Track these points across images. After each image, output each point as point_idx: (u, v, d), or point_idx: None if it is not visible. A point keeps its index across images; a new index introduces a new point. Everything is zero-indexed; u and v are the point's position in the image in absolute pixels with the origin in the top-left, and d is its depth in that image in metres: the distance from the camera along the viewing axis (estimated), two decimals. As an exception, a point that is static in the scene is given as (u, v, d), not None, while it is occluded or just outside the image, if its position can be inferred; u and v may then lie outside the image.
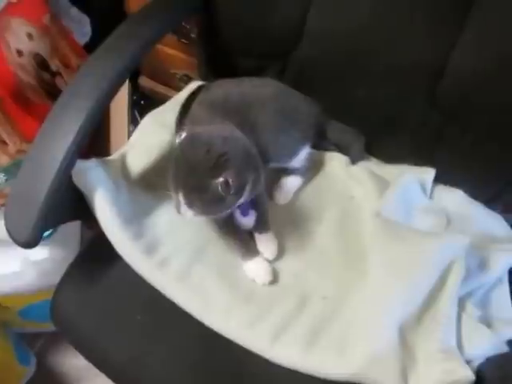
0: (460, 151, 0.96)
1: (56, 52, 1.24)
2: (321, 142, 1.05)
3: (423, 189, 0.98)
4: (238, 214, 0.85)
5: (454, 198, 0.98)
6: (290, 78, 1.03)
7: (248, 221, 0.87)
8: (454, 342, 0.73)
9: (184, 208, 0.72)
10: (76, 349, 0.82)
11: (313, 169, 1.02)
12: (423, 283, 0.77)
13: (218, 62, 1.09)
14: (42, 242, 1.07)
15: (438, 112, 0.94)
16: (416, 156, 1.00)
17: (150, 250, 0.82)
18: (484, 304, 0.82)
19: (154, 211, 0.89)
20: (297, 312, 0.79)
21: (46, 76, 1.20)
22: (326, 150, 1.06)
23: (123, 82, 0.91)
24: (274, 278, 0.83)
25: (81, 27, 1.58)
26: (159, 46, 1.43)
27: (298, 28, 0.97)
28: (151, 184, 0.93)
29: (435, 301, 0.76)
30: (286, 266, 0.85)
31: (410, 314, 0.75)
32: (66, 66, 1.28)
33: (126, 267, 0.82)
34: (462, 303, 0.79)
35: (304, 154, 0.98)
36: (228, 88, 0.94)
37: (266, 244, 0.86)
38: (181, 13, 1.01)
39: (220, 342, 0.77)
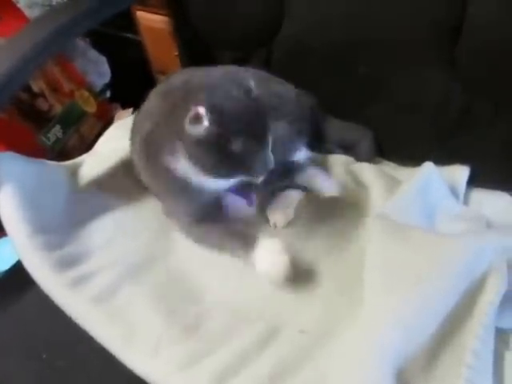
0: (497, 138, 0.71)
1: (42, 75, 1.19)
2: (322, 144, 0.84)
3: (454, 192, 0.73)
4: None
5: (498, 204, 0.72)
6: (277, 66, 0.86)
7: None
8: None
9: None
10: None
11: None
12: (438, 303, 0.51)
13: (197, 59, 0.94)
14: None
15: (461, 87, 0.71)
16: (441, 152, 0.75)
17: (66, 263, 0.63)
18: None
19: (95, 221, 0.72)
20: (258, 348, 0.56)
21: (24, 96, 1.14)
22: (330, 153, 0.84)
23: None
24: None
25: (97, 68, 1.57)
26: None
27: (278, 4, 0.80)
28: (103, 192, 0.77)
29: (457, 330, 0.49)
30: (260, 286, 0.63)
31: (418, 352, 0.49)
32: (55, 89, 1.22)
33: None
34: (505, 338, 0.51)
35: (300, 156, 0.77)
36: (190, 76, 0.77)
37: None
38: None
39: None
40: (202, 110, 0.55)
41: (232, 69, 0.78)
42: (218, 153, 0.58)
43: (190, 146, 0.58)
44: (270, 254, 0.62)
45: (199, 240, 0.69)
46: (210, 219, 0.68)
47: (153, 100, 0.71)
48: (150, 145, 0.66)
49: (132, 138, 0.74)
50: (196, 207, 0.68)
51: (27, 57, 0.60)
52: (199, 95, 0.57)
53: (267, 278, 0.62)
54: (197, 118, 0.55)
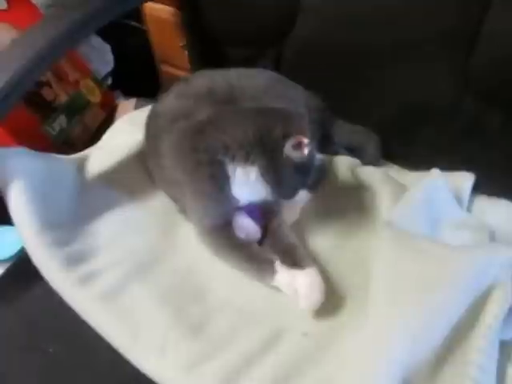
0: (505, 148, 0.72)
1: (49, 63, 1.17)
2: (329, 146, 0.84)
3: (458, 199, 0.73)
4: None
5: (501, 212, 0.73)
6: (287, 66, 0.85)
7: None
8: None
9: None
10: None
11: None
12: (445, 316, 0.52)
13: (207, 56, 0.93)
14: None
15: (472, 96, 0.71)
16: (447, 158, 0.76)
17: (75, 260, 0.64)
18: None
19: (102, 217, 0.72)
20: (263, 349, 0.56)
21: (30, 85, 1.11)
22: (336, 154, 0.84)
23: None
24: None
25: (101, 55, 1.56)
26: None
27: (293, 3, 0.80)
28: (111, 187, 0.77)
29: (461, 343, 0.50)
30: (265, 287, 0.64)
31: (422, 362, 0.50)
32: (61, 78, 1.21)
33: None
34: (509, 350, 0.52)
35: None
36: (212, 79, 0.77)
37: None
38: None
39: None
40: (305, 140, 0.60)
41: (247, 72, 0.78)
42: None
43: (277, 162, 0.62)
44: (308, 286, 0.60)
45: (216, 254, 0.68)
46: (225, 231, 0.67)
47: (172, 101, 0.72)
48: (187, 140, 0.65)
49: (149, 142, 0.74)
50: (218, 210, 0.67)
51: (41, 55, 0.60)
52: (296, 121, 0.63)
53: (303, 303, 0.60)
54: (298, 145, 0.60)
